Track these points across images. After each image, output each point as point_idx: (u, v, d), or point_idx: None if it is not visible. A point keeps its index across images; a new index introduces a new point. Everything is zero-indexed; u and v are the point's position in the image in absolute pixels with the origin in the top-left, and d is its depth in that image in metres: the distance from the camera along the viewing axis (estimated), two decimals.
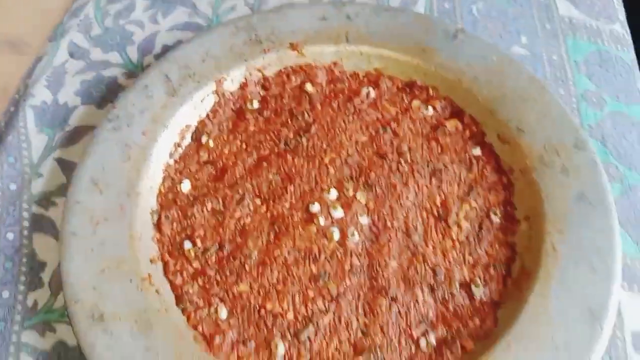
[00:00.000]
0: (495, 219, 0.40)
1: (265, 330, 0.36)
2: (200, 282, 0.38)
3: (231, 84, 0.46)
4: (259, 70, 0.46)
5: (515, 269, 0.37)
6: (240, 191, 0.41)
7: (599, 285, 0.34)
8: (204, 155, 0.43)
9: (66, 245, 0.37)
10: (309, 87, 0.46)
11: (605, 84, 0.47)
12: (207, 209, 0.40)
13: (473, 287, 0.37)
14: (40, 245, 0.41)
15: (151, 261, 0.38)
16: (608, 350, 0.36)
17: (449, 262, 0.38)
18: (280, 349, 0.35)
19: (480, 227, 0.39)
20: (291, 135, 0.44)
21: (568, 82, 0.48)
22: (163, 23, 0.53)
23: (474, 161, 0.42)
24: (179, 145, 0.43)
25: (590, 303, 0.34)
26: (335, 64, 0.47)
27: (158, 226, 0.40)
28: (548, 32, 0.51)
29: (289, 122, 0.44)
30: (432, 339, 0.35)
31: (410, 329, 0.36)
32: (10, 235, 0.41)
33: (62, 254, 0.37)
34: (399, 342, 0.35)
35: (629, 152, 0.44)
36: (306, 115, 0.44)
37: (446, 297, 0.37)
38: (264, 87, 0.46)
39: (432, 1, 0.53)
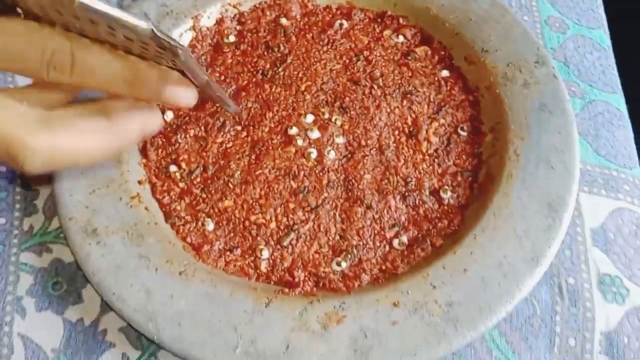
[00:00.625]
0: (463, 133, 0.42)
1: (250, 238, 0.38)
2: (187, 200, 0.40)
3: (208, 20, 0.47)
4: (235, 7, 0.48)
5: (481, 175, 0.40)
6: (221, 119, 0.43)
7: (557, 182, 0.37)
8: None
9: (56, 174, 0.39)
10: (283, 20, 0.48)
11: (567, 10, 0.50)
12: (190, 136, 0.42)
13: (442, 193, 0.40)
14: (33, 176, 0.42)
15: (139, 182, 0.40)
16: (569, 245, 0.39)
17: (420, 172, 0.41)
18: (265, 253, 0.38)
19: (449, 141, 0.42)
20: (268, 66, 0.46)
21: (532, 9, 0.50)
22: None
23: (443, 83, 0.44)
24: None
25: (549, 198, 0.37)
26: None
27: (144, 152, 0.42)
28: None
29: (265, 53, 0.46)
30: (404, 239, 0.38)
31: (383, 231, 0.38)
32: (2, 168, 0.43)
33: (55, 177, 0.39)
34: (374, 243, 0.38)
35: (590, 70, 0.47)
36: (282, 47, 0.46)
37: (417, 203, 0.39)
38: (239, 22, 0.48)
39: None
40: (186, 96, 0.31)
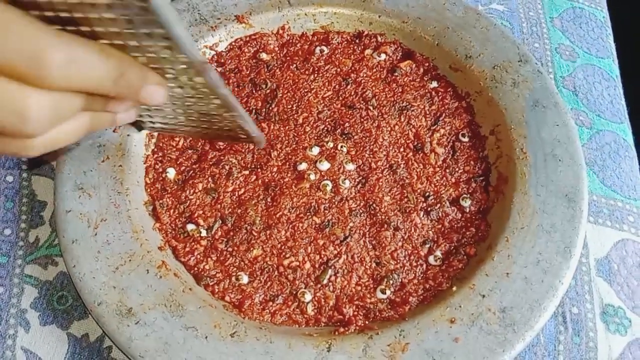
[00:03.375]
0: (465, 140, 0.44)
1: (288, 284, 0.38)
2: (214, 257, 0.39)
3: None
4: (211, 49, 0.47)
5: (493, 178, 0.42)
6: (226, 166, 0.42)
7: (567, 172, 0.40)
8: (180, 142, 0.43)
9: (71, 254, 0.37)
10: (264, 55, 0.47)
11: (578, 38, 0.51)
12: (199, 190, 0.41)
13: (461, 201, 0.41)
14: (39, 186, 0.43)
15: (160, 249, 0.38)
16: (574, 275, 0.39)
17: (435, 185, 0.42)
18: (307, 296, 0.37)
19: (454, 149, 0.43)
20: (260, 104, 0.45)
21: (543, 36, 0.51)
22: None
23: (434, 94, 0.46)
24: (151, 136, 0.43)
25: (565, 190, 0.39)
26: (282, 28, 0.48)
27: (156, 216, 0.40)
28: None
29: (254, 92, 0.46)
30: (439, 254, 0.39)
31: (417, 250, 0.39)
32: (10, 178, 0.43)
33: (69, 263, 0.37)
34: (411, 264, 0.39)
35: (598, 100, 0.48)
36: (269, 82, 0.46)
37: (440, 215, 0.40)
38: (219, 64, 0.47)
39: None
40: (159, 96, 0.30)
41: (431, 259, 0.39)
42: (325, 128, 0.44)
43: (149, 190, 0.41)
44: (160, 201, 0.41)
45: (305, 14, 0.48)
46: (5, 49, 0.24)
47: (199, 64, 0.29)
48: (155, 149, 0.43)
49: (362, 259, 0.39)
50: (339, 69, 0.47)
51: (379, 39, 0.48)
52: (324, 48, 0.48)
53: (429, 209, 0.41)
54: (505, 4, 0.53)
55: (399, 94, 0.46)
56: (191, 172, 0.42)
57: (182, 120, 0.38)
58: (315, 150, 0.43)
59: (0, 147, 0.27)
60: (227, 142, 0.43)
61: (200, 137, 0.42)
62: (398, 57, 0.48)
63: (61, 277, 0.39)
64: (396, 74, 0.46)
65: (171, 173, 0.42)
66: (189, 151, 0.43)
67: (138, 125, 0.40)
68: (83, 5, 0.26)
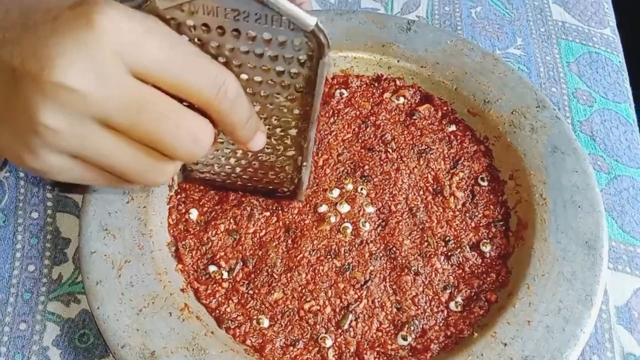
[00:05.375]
0: (484, 184, 0.44)
1: (309, 328, 0.38)
2: (235, 300, 0.39)
3: None
4: None
5: (513, 223, 0.42)
6: (247, 208, 0.43)
7: (587, 219, 0.40)
8: None
9: (95, 295, 0.37)
10: None
11: (595, 83, 0.52)
12: (220, 231, 0.42)
13: (482, 246, 0.41)
14: (64, 223, 0.44)
15: (182, 291, 0.39)
16: (594, 322, 0.39)
17: (455, 229, 0.42)
18: (328, 341, 0.37)
19: (473, 193, 0.44)
20: None
21: (560, 80, 0.52)
22: None
23: (452, 137, 0.46)
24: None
25: (585, 237, 0.39)
26: None
27: (178, 257, 0.41)
28: (542, 35, 0.55)
29: None
30: (460, 300, 0.39)
31: (438, 295, 0.39)
32: (35, 215, 0.44)
33: (93, 304, 0.37)
34: (432, 310, 0.39)
35: (616, 145, 0.48)
36: None
37: (461, 260, 0.41)
38: None
39: (433, 5, 0.57)
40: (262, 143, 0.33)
41: (452, 304, 0.39)
42: (345, 170, 0.45)
43: (172, 231, 0.42)
44: (183, 242, 0.41)
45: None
46: (188, 72, 0.27)
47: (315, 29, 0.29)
48: (179, 190, 0.44)
49: (383, 304, 0.39)
50: (358, 112, 0.48)
51: (398, 82, 0.49)
52: (344, 91, 0.49)
53: (449, 253, 0.41)
54: (522, 49, 0.54)
55: (418, 137, 0.46)
56: (213, 213, 0.43)
57: (229, 170, 0.40)
58: (336, 193, 0.43)
59: (142, 175, 0.29)
60: (263, 195, 0.43)
61: (240, 187, 0.43)
62: (416, 101, 0.48)
63: (83, 315, 0.40)
64: (415, 117, 0.47)
65: (194, 214, 0.43)
66: (211, 192, 0.44)
67: (186, 173, 0.41)
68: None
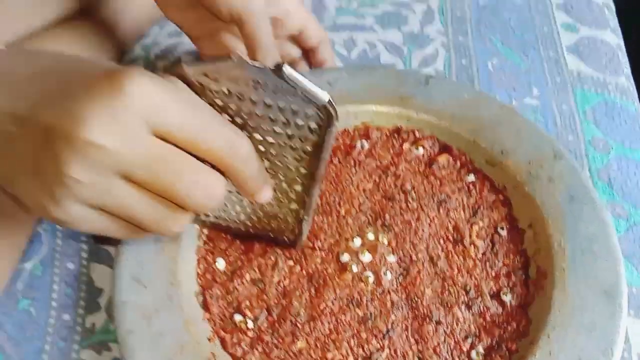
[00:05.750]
0: (503, 233, 0.45)
1: None
2: (260, 349, 0.40)
3: None
4: None
5: (532, 272, 0.42)
6: (272, 257, 0.44)
7: (605, 268, 0.40)
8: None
9: (126, 344, 0.39)
10: None
11: (611, 130, 0.53)
12: (246, 280, 0.43)
13: (502, 295, 0.42)
14: (97, 273, 0.46)
15: (209, 340, 0.40)
16: None
17: (476, 278, 0.43)
18: None
19: (493, 242, 0.44)
20: None
21: (576, 129, 0.53)
22: None
23: (471, 187, 0.47)
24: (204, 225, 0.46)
25: (604, 287, 0.39)
26: None
27: (205, 306, 0.42)
28: (558, 85, 0.57)
29: None
30: (481, 349, 0.39)
31: (459, 345, 0.40)
32: (70, 265, 0.46)
33: (125, 353, 0.39)
34: (454, 359, 0.39)
35: (634, 192, 0.49)
36: None
37: (482, 309, 0.41)
38: None
39: (450, 58, 0.60)
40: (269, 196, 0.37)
41: (473, 354, 0.39)
42: (367, 220, 0.46)
43: (200, 280, 0.43)
44: (210, 291, 0.43)
45: (347, 112, 0.51)
46: (205, 134, 0.31)
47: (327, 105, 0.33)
48: (207, 240, 0.46)
49: (405, 354, 0.39)
50: (378, 162, 0.49)
51: (417, 134, 0.50)
52: (365, 143, 0.51)
53: (470, 302, 0.41)
54: (537, 98, 0.56)
55: (438, 186, 0.48)
56: (239, 262, 0.44)
57: (234, 216, 0.42)
58: (357, 242, 0.45)
59: (158, 224, 0.33)
60: (266, 240, 0.45)
61: (244, 233, 0.45)
62: (435, 151, 0.50)
63: None
64: (434, 167, 0.49)
65: (221, 264, 0.44)
66: (237, 241, 0.45)
67: (197, 218, 0.43)
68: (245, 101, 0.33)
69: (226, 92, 0.32)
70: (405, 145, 0.50)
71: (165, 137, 0.30)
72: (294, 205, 0.41)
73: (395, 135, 0.51)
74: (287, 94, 0.32)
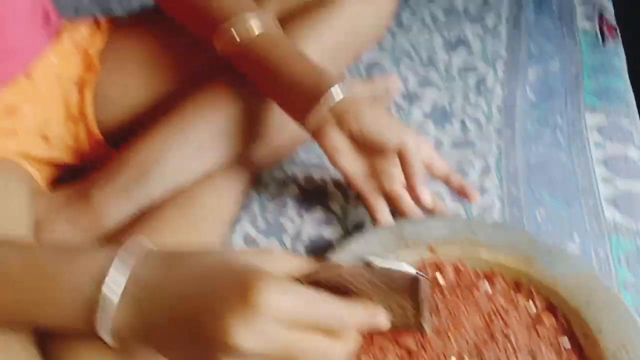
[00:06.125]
0: None
1: None
2: None
3: None
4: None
5: None
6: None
7: None
8: None
9: None
10: (440, 278, 0.65)
11: None
12: None
13: None
14: None
15: None
16: None
17: None
18: None
19: None
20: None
21: (611, 272, 0.63)
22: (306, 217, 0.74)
23: (564, 351, 0.56)
24: None
25: None
26: (460, 262, 0.65)
27: None
28: (596, 232, 0.68)
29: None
30: None
31: None
32: None
33: None
34: None
35: None
36: (436, 299, 0.63)
37: None
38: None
39: (504, 209, 0.74)
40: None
41: None
42: (467, 348, 0.58)
43: None
44: None
45: (480, 257, 0.64)
46: (323, 319, 0.42)
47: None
48: None
49: None
50: (493, 306, 0.61)
51: (532, 291, 0.61)
52: (488, 286, 0.63)
53: None
54: (578, 245, 0.67)
55: (536, 339, 0.57)
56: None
57: None
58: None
59: None
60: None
61: None
62: (544, 310, 0.60)
63: None
64: (538, 323, 0.58)
65: None
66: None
67: None
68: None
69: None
70: (520, 298, 0.61)
71: (294, 326, 0.40)
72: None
73: (515, 288, 0.62)
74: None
